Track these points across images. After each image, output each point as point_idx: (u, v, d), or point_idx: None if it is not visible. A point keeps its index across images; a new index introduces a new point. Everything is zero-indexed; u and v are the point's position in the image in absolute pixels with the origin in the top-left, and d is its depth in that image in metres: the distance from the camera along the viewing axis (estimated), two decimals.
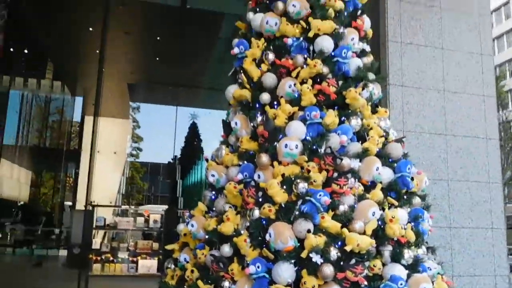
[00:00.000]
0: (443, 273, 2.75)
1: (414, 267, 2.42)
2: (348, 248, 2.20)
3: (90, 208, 8.50)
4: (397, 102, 6.20)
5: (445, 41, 6.60)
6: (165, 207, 10.93)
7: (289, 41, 2.86)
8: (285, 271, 2.22)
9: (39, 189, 18.77)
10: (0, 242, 14.00)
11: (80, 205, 15.11)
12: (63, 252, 15.46)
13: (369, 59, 3.12)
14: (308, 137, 2.54)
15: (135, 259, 8.22)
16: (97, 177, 11.60)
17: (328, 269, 2.16)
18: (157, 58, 12.78)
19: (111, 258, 8.28)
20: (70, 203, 17.72)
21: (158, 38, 11.44)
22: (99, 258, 8.31)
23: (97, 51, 11.18)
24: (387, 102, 6.18)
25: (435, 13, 6.67)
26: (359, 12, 3.11)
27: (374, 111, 3.04)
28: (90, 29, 10.97)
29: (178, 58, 12.31)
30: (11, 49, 10.73)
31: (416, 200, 2.80)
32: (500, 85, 15.26)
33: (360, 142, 2.69)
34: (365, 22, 3.15)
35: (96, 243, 8.56)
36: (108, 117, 17.58)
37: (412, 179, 2.76)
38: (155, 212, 9.25)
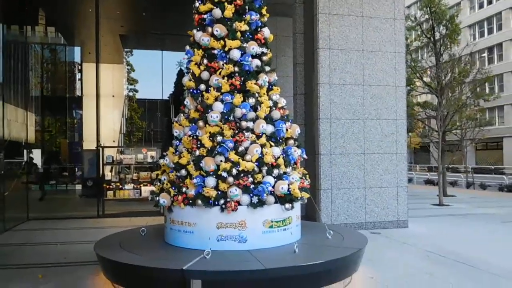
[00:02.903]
0: (304, 181, 4.99)
1: (280, 177, 4.65)
2: (240, 169, 4.42)
3: (100, 148, 10.69)
4: (325, 62, 8.19)
5: (365, 10, 8.43)
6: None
7: (215, 52, 4.88)
8: (210, 181, 4.46)
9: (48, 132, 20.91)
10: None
11: (87, 145, 17.36)
12: (74, 186, 17.95)
13: (267, 56, 5.13)
14: (224, 111, 4.66)
15: (138, 186, 10.65)
16: (101, 120, 13.57)
17: (230, 179, 4.39)
18: (144, 14, 14.41)
19: (120, 186, 10.69)
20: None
21: None
22: (110, 186, 10.71)
23: (90, 10, 12.80)
24: (317, 62, 8.17)
25: None
26: (259, 28, 5.08)
27: (270, 90, 5.12)
28: None
29: (162, 11, 13.97)
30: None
31: (290, 142, 4.99)
32: (456, 23, 16.78)
33: (255, 111, 4.80)
34: (264, 33, 5.12)
35: (107, 175, 10.92)
36: (105, 63, 19.30)
37: (287, 130, 4.93)
38: (152, 149, 11.53)
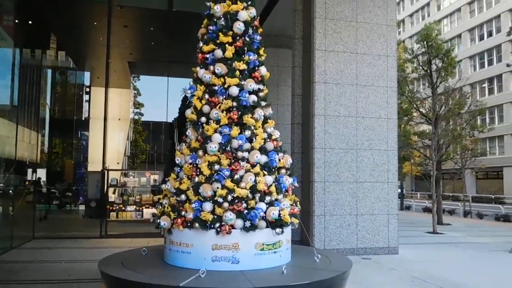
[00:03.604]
0: (295, 207, 5.40)
1: (272, 204, 5.07)
2: (235, 195, 4.85)
3: (105, 171, 11.14)
4: (320, 95, 8.69)
5: (359, 47, 8.98)
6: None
7: (216, 88, 5.39)
8: (207, 206, 4.88)
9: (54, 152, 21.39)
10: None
11: (92, 166, 17.82)
12: (78, 207, 18.29)
13: (264, 92, 5.63)
14: (222, 142, 5.13)
15: (140, 208, 11.06)
16: (107, 142, 14.00)
17: (226, 204, 4.82)
18: (152, 43, 15.14)
19: (123, 208, 11.09)
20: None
21: (151, 28, 13.74)
22: (113, 208, 11.10)
23: (101, 39, 13.49)
24: (313, 95, 8.68)
25: (353, 27, 8.98)
26: (257, 67, 5.59)
27: (265, 123, 5.60)
28: (95, 23, 13.28)
29: (169, 41, 14.70)
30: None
31: (282, 171, 5.42)
32: (452, 56, 17.42)
33: (250, 143, 5.26)
34: (261, 71, 5.63)
35: (111, 197, 11.34)
36: (113, 88, 19.97)
37: (279, 160, 5.37)
38: (155, 173, 11.98)
